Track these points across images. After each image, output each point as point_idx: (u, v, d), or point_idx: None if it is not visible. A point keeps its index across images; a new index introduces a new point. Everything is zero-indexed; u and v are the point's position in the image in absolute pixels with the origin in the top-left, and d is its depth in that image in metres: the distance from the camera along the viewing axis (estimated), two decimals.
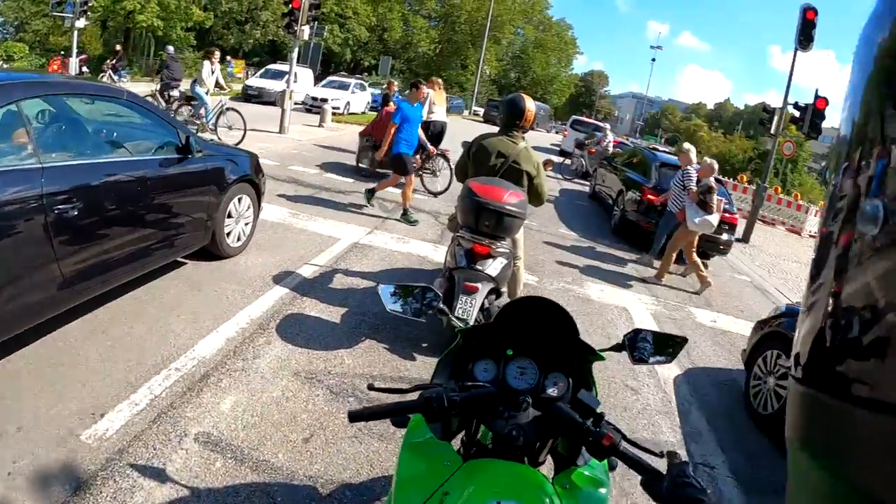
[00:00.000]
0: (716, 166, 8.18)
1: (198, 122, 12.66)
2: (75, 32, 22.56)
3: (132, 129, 4.94)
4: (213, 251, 5.65)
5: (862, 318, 0.63)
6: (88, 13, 23.52)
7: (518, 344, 1.82)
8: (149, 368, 3.85)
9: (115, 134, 4.71)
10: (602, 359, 1.81)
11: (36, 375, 3.60)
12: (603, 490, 1.59)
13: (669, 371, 5.29)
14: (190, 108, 13.18)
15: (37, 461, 2.94)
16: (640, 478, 1.34)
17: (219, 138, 12.43)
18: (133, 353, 3.99)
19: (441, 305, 2.11)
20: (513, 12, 62.18)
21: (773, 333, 4.98)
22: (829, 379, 0.68)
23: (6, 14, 50.30)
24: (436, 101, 11.84)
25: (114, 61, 22.94)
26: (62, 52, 27.45)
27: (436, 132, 11.84)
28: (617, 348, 1.98)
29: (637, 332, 1.99)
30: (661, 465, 1.37)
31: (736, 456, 4.26)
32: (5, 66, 25.17)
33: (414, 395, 1.58)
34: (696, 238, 8.03)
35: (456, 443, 1.80)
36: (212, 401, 3.63)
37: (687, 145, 9.01)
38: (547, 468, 1.70)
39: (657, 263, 8.57)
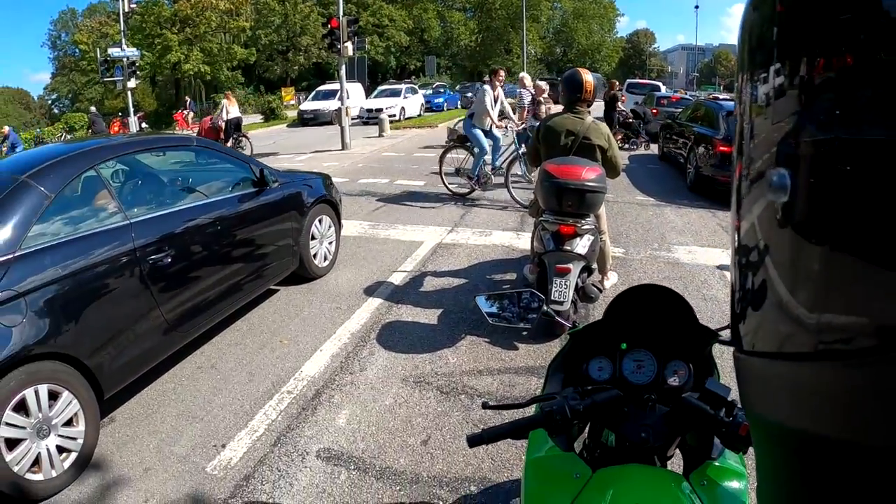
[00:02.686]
0: None
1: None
2: (129, 93, 24.17)
3: (208, 172, 5.12)
4: (302, 274, 5.75)
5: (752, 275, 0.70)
6: (137, 72, 25.08)
7: (631, 336, 1.70)
8: (261, 395, 3.92)
9: (191, 179, 4.90)
10: (725, 340, 1.64)
11: (153, 417, 3.76)
12: (741, 483, 1.42)
13: None
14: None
15: (168, 498, 3.05)
16: None
17: None
18: (243, 383, 4.08)
19: (546, 308, 1.98)
20: None
21: None
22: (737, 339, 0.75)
23: (59, 90, 53.61)
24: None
25: (185, 111, 24.36)
26: (120, 114, 29.03)
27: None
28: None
29: None
30: None
31: None
32: (69, 136, 26.73)
33: (531, 409, 1.52)
34: None
35: (578, 445, 1.71)
36: (327, 417, 3.65)
37: None
38: (675, 461, 1.59)
39: None
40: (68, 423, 3.20)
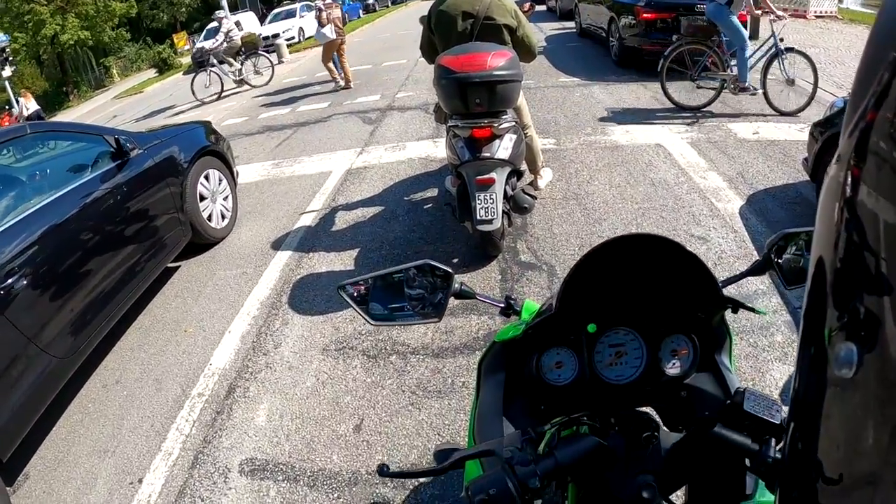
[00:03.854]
0: None
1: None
2: (7, 83, 22.50)
3: (54, 160, 4.31)
4: (199, 242, 5.07)
5: None
6: (9, 59, 23.19)
7: (602, 312, 1.11)
8: (171, 405, 3.39)
9: (35, 176, 4.10)
10: (757, 311, 1.15)
11: (66, 462, 3.21)
12: None
13: (731, 204, 4.50)
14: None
15: None
16: None
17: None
18: (151, 394, 3.54)
19: (457, 286, 1.25)
20: None
21: (836, 135, 4.07)
22: None
23: None
24: None
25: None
26: (7, 107, 26.51)
27: None
28: (757, 271, 1.22)
29: (786, 236, 1.21)
30: None
31: None
32: None
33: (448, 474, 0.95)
34: None
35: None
36: (245, 417, 3.15)
37: None
38: None
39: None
40: None
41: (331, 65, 11.66)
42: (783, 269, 1.19)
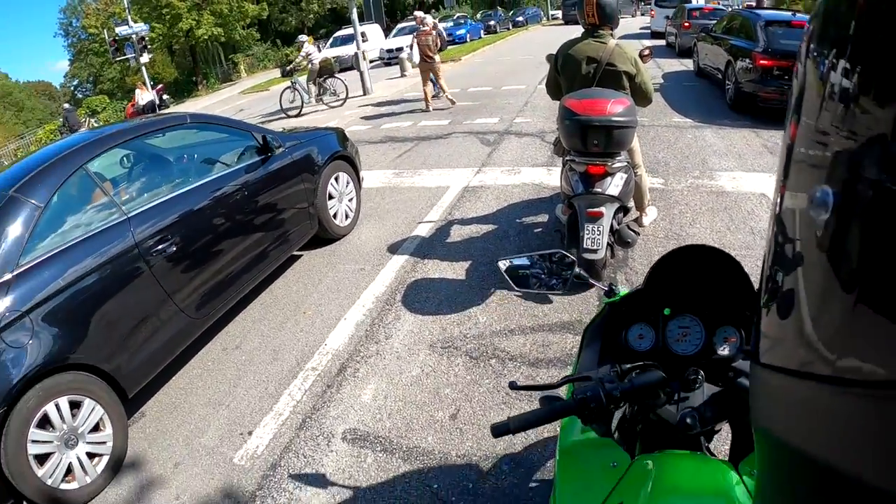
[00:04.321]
0: None
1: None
2: (143, 69, 24.31)
3: (208, 148, 4.90)
4: (323, 236, 5.57)
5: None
6: (148, 47, 25.18)
7: (675, 301, 1.48)
8: (286, 374, 3.80)
9: (190, 159, 4.69)
10: None
11: (181, 408, 3.69)
12: None
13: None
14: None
15: (197, 494, 3.00)
16: None
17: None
18: (268, 362, 3.97)
19: (578, 270, 1.77)
20: None
21: None
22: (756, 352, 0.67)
23: (79, 75, 53.86)
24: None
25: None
26: (137, 91, 28.73)
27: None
28: None
29: None
30: None
31: None
32: (92, 120, 26.58)
33: (563, 389, 1.37)
34: None
35: (614, 421, 1.52)
36: (352, 394, 3.50)
37: None
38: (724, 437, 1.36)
39: None
40: (95, 428, 3.16)
41: (427, 88, 12.33)
42: None
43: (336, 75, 14.97)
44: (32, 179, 3.31)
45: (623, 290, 1.66)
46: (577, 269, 1.75)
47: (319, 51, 16.71)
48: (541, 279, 1.81)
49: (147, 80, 23.82)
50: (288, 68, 14.98)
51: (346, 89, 14.80)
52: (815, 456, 0.53)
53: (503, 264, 1.83)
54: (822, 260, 0.51)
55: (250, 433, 3.33)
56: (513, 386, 1.35)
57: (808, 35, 0.58)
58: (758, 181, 6.15)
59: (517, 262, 1.83)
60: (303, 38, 15.41)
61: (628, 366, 1.38)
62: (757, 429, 0.67)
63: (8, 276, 2.96)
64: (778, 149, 7.21)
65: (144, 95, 20.99)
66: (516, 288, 1.82)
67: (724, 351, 1.41)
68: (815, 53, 0.55)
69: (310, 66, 14.61)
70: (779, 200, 0.63)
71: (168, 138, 4.55)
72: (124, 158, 4.20)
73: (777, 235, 0.63)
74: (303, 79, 14.76)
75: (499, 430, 1.19)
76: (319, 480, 2.91)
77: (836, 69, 0.50)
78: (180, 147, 4.83)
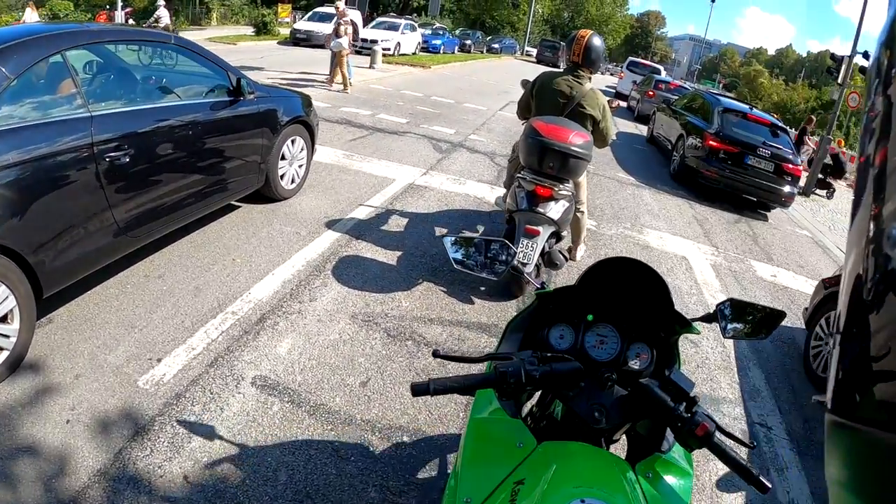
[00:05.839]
0: None
1: None
2: None
3: (182, 74, 4.83)
4: (266, 194, 5.57)
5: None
6: None
7: (599, 309, 1.63)
8: (205, 312, 3.81)
9: (164, 79, 4.61)
10: (696, 331, 1.60)
11: (92, 322, 3.60)
12: (686, 481, 1.39)
13: None
14: None
15: (94, 408, 2.93)
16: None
17: None
18: (189, 298, 3.95)
19: (515, 262, 1.92)
20: None
21: (837, 293, 4.51)
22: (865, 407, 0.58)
23: None
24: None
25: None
26: (107, 7, 27.37)
27: None
28: (707, 318, 1.73)
29: (731, 302, 1.73)
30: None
31: (792, 418, 3.97)
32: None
33: (482, 365, 1.43)
34: None
35: (524, 410, 1.67)
36: (268, 344, 3.56)
37: None
38: (619, 447, 1.56)
39: None
40: (2, 319, 3.02)
41: (345, 70, 13.60)
42: (724, 323, 1.71)
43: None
44: (9, 49, 3.20)
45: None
46: (514, 261, 1.90)
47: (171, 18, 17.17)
48: (478, 261, 1.92)
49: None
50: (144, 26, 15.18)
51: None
52: None
53: (447, 239, 1.94)
54: None
55: (160, 360, 3.32)
56: (436, 354, 1.41)
57: (878, 63, 0.60)
58: (682, 245, 6.61)
59: (460, 240, 1.95)
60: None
61: (549, 354, 1.43)
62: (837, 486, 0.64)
63: None
64: (707, 222, 7.80)
65: (34, 16, 19.49)
66: (454, 265, 1.93)
67: (634, 365, 1.57)
68: None
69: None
70: (871, 226, 0.58)
71: (149, 53, 4.48)
72: (102, 59, 4.09)
73: (873, 262, 0.58)
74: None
75: (418, 389, 1.27)
76: (222, 417, 2.95)
77: None
78: (157, 66, 4.76)
